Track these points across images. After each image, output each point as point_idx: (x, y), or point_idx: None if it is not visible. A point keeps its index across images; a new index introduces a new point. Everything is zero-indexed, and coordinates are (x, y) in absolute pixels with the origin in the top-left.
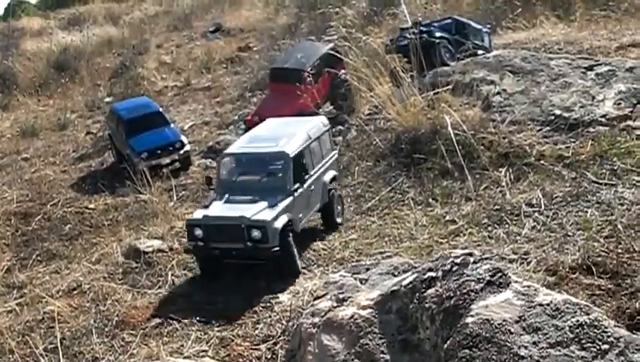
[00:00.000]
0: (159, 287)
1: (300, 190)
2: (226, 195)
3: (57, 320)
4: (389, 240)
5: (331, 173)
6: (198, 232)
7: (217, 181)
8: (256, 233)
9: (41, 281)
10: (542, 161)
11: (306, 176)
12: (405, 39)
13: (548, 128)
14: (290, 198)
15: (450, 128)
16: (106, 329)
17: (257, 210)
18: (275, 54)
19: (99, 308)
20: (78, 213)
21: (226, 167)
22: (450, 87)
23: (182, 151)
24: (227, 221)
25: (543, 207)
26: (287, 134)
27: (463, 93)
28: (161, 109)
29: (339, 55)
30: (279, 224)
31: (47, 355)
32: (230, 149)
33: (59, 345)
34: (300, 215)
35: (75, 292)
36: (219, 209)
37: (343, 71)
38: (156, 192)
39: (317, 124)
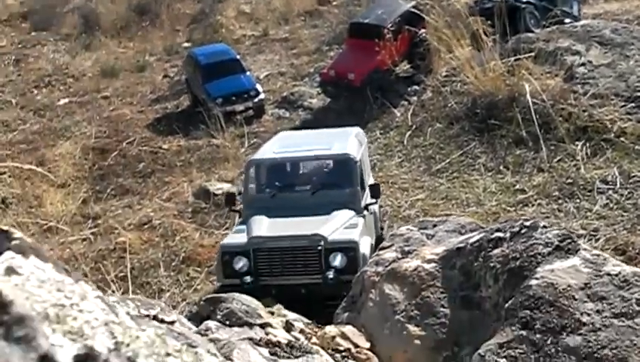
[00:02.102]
0: (226, 228)
1: (372, 206)
2: (263, 215)
3: (128, 251)
4: (456, 204)
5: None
6: (242, 264)
7: (244, 198)
8: (338, 259)
9: (115, 214)
10: (622, 138)
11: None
12: (490, 2)
13: (632, 105)
14: (362, 217)
15: (528, 96)
16: (173, 264)
17: (333, 228)
18: (355, 9)
19: (167, 243)
20: (152, 152)
21: (258, 179)
22: (532, 54)
23: (256, 100)
24: (293, 241)
25: (618, 185)
26: (335, 138)
27: (546, 61)
28: (238, 57)
29: (420, 13)
30: (366, 249)
31: (117, 282)
32: (262, 155)
33: (129, 274)
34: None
35: (145, 226)
36: (270, 227)
37: (423, 30)
38: (229, 138)
39: (358, 131)
